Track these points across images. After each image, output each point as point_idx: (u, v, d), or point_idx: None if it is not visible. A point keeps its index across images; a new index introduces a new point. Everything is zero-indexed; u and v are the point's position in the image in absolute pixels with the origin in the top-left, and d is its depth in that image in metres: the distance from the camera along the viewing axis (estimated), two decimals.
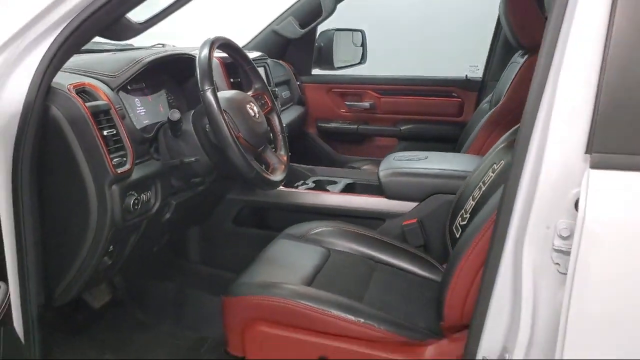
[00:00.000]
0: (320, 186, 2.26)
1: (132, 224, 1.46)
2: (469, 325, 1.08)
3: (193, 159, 1.57)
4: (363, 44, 3.09)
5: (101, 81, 1.45)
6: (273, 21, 2.86)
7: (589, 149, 0.88)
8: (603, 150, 0.87)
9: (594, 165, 0.87)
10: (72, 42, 1.19)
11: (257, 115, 1.65)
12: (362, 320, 1.32)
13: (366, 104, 3.03)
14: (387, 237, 1.80)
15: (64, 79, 1.32)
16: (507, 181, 0.98)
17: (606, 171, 0.87)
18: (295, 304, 1.35)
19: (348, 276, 1.56)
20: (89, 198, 1.33)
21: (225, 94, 1.66)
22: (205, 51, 1.53)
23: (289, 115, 2.70)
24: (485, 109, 2.49)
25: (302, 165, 2.46)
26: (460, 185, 1.68)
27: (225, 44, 1.72)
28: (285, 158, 1.79)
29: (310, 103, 3.05)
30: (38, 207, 1.23)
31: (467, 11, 3.34)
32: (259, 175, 1.54)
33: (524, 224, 0.95)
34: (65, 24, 1.16)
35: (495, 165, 1.46)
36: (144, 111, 1.61)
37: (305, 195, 2.12)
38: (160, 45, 2.05)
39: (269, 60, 2.64)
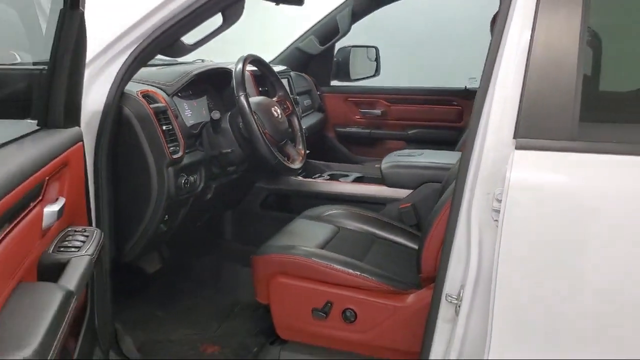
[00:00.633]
0: (334, 178, 2.51)
1: (182, 198, 1.73)
2: (437, 272, 1.27)
3: (229, 150, 1.86)
4: (377, 59, 3.17)
5: (160, 89, 1.73)
6: (296, 40, 3.06)
7: (515, 135, 1.07)
8: (525, 136, 1.06)
9: (519, 147, 1.06)
10: (141, 58, 1.45)
11: (280, 116, 1.97)
12: (359, 273, 1.59)
13: (378, 111, 3.15)
14: (386, 218, 2.05)
15: (133, 87, 1.59)
16: (460, 163, 1.19)
17: (527, 151, 1.05)
18: (309, 260, 1.62)
19: (352, 245, 1.81)
20: (151, 176, 1.60)
21: (255, 99, 1.97)
22: (240, 65, 1.86)
23: (310, 120, 2.88)
24: None
25: (321, 162, 2.73)
26: (445, 175, 1.91)
27: (256, 60, 2.04)
28: (302, 151, 2.08)
29: (329, 110, 3.20)
30: (112, 181, 1.49)
31: (465, 30, 3.38)
32: (280, 163, 1.85)
33: (472, 193, 1.14)
34: (137, 45, 1.42)
35: None
36: (190, 113, 1.86)
37: (321, 184, 2.36)
38: (200, 61, 2.28)
39: (292, 73, 2.85)
